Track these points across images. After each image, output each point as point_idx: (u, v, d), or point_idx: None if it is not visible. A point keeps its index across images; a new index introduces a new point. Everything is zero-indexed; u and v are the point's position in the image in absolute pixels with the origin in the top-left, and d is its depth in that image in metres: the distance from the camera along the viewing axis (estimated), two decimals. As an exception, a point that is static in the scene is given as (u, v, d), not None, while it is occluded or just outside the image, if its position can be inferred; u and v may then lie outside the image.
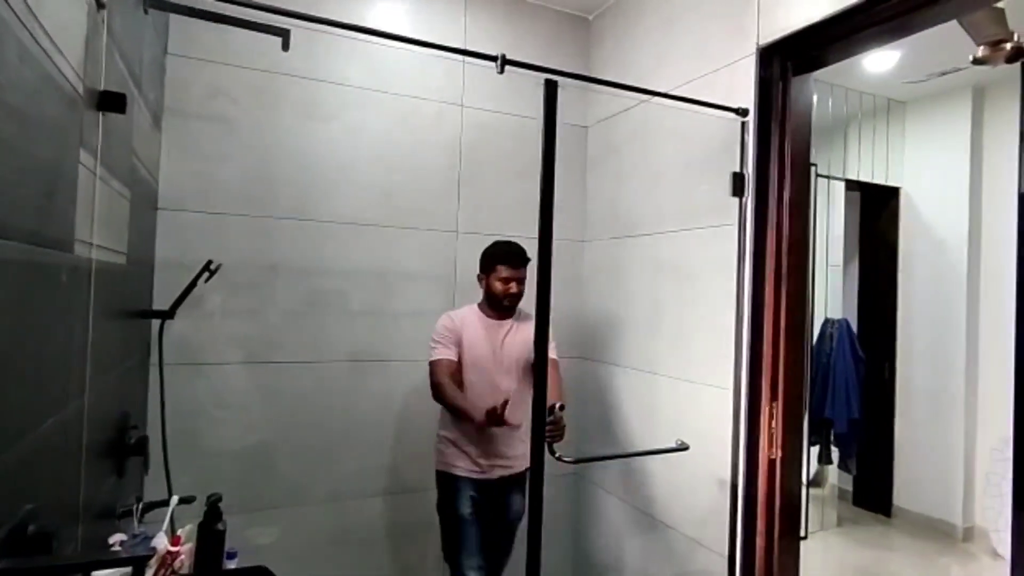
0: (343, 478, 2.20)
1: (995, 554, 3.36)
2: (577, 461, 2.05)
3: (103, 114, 1.10)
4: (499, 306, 2.09)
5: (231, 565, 1.31)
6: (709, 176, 1.99)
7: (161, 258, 1.91)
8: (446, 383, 1.98)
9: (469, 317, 2.11)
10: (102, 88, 1.09)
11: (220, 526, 1.28)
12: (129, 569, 1.00)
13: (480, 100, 2.44)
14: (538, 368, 1.62)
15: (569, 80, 1.73)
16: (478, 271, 2.12)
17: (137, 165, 1.52)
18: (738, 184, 1.87)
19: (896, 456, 3.95)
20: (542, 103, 1.58)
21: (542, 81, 1.59)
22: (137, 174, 1.52)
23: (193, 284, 1.84)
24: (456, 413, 2.00)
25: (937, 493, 3.75)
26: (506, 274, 2.05)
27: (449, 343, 2.05)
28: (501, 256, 2.06)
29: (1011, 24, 2.26)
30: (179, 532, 1.27)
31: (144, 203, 1.71)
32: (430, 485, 2.36)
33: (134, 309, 1.64)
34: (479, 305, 2.15)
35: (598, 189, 2.64)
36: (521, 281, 2.06)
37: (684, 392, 2.06)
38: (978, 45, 2.41)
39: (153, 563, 1.17)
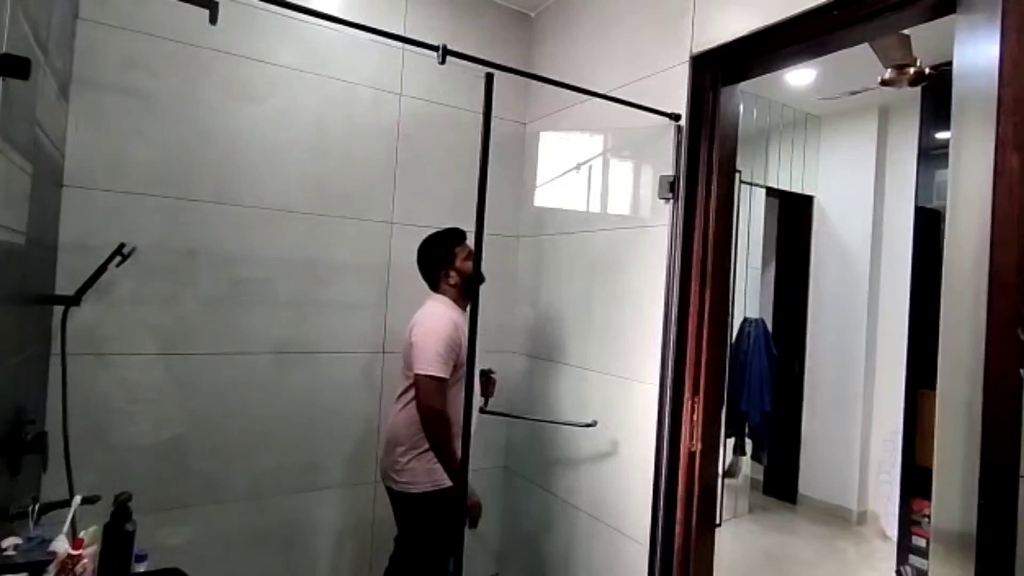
0: (264, 475, 2.12)
1: (884, 536, 3.67)
2: (494, 413, 2.23)
3: (3, 80, 1.00)
4: (467, 291, 1.96)
5: (141, 568, 1.24)
6: (642, 177, 2.05)
7: (66, 239, 1.76)
8: (450, 418, 1.82)
9: (457, 318, 1.94)
10: (3, 51, 0.99)
11: (129, 526, 1.20)
12: (25, 575, 0.93)
13: (419, 90, 2.40)
14: (469, 360, 1.63)
15: (510, 76, 1.73)
16: (440, 267, 2.00)
17: (41, 137, 1.39)
18: (669, 186, 1.94)
19: (802, 447, 4.24)
20: (482, 96, 1.58)
21: (483, 74, 1.59)
22: (41, 147, 1.40)
23: (103, 268, 1.72)
24: (445, 456, 1.83)
25: (836, 481, 4.05)
26: (467, 252, 2.01)
27: (451, 357, 1.85)
28: (457, 236, 2.02)
29: (915, 51, 2.46)
30: (82, 534, 1.19)
31: (48, 179, 1.57)
32: (356, 480, 2.32)
33: (33, 294, 1.51)
34: (447, 300, 2.00)
35: (534, 186, 2.66)
36: None
37: (613, 387, 2.12)
38: (885, 68, 2.61)
39: (52, 568, 1.08)
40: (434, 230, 2.12)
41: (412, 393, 1.87)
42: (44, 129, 1.43)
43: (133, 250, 1.77)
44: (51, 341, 1.72)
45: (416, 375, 1.83)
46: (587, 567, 2.19)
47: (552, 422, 2.33)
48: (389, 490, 1.95)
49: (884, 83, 2.67)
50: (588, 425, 2.09)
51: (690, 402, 1.89)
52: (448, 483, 1.85)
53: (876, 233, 4.01)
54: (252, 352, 2.08)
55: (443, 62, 1.55)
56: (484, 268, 1.71)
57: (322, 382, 2.22)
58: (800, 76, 3.52)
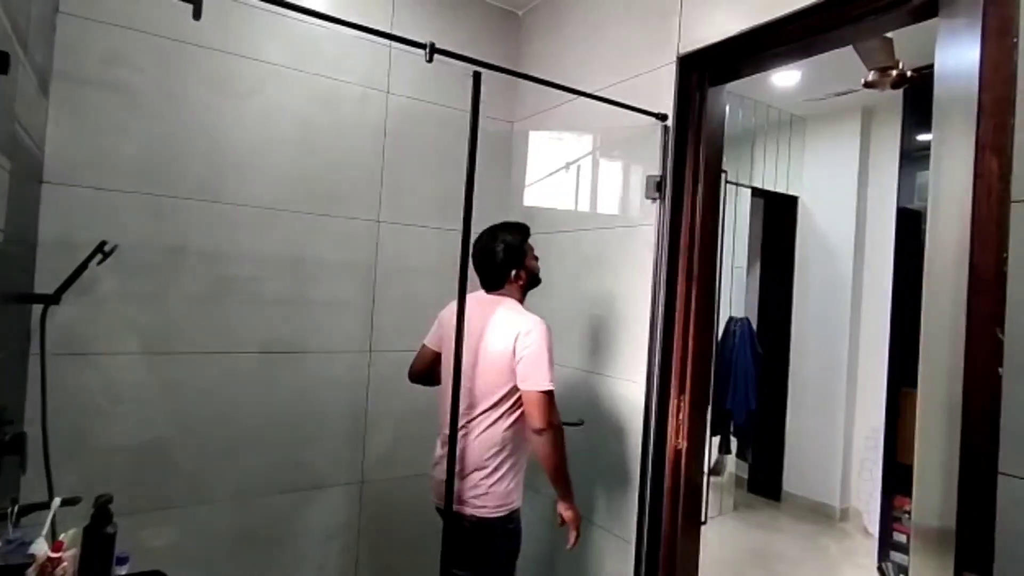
0: (250, 475, 2.10)
1: (866, 532, 3.72)
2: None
3: (-20, 73, 0.98)
4: (526, 293, 1.90)
5: (122, 571, 1.22)
6: (629, 177, 2.06)
7: (46, 237, 1.73)
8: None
9: None
10: (-21, 44, 0.97)
11: (109, 529, 1.18)
12: (3, 579, 0.91)
13: (406, 88, 2.39)
14: (456, 359, 1.62)
15: (497, 74, 1.73)
16: (513, 265, 1.83)
17: (19, 133, 1.36)
18: (656, 186, 1.95)
19: (786, 445, 4.29)
20: (470, 95, 1.58)
21: (470, 73, 1.59)
22: (19, 143, 1.37)
23: (84, 266, 1.70)
24: (566, 476, 1.75)
25: (819, 478, 4.10)
26: (533, 249, 1.91)
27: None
28: (527, 232, 1.90)
29: (897, 54, 2.50)
30: (61, 537, 1.17)
31: (27, 175, 1.54)
32: (342, 481, 2.31)
33: (11, 292, 1.48)
34: (516, 300, 1.85)
35: (522, 184, 2.66)
36: None
37: (600, 385, 2.13)
38: (868, 70, 2.64)
39: (31, 571, 1.06)
40: (420, 228, 2.11)
41: (500, 411, 1.71)
42: (23, 125, 1.40)
43: (115, 248, 1.74)
44: (30, 340, 1.69)
45: (534, 392, 1.65)
46: (573, 565, 2.20)
47: None
48: (457, 516, 1.71)
49: (867, 85, 2.70)
50: (575, 424, 2.10)
51: (676, 400, 1.90)
52: (518, 504, 1.78)
53: (859, 233, 4.07)
54: (238, 351, 2.06)
55: (430, 60, 1.54)
56: (471, 267, 1.71)
57: (308, 381, 2.20)
58: (785, 78, 3.56)
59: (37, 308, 1.67)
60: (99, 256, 1.72)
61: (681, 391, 1.90)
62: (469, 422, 1.73)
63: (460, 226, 1.60)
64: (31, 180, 1.63)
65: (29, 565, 1.06)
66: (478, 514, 1.70)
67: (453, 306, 1.71)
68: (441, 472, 1.74)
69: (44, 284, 1.69)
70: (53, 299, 1.67)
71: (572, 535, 1.78)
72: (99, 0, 1.80)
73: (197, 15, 1.40)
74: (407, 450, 2.39)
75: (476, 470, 1.71)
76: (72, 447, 1.73)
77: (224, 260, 2.04)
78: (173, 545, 1.91)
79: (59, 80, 1.74)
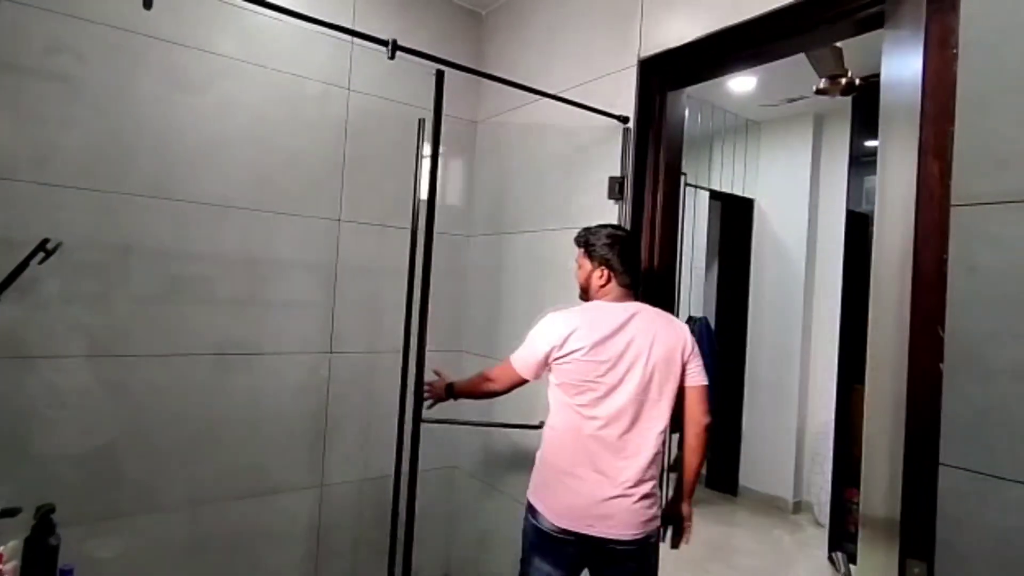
0: (204, 480, 2.03)
1: (818, 524, 3.85)
2: (438, 421, 1.93)
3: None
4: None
5: (67, 583, 1.17)
6: (590, 178, 2.08)
7: (-17, 233, 1.64)
8: None
9: None
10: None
11: (52, 540, 1.13)
12: (-66, 596, 0.86)
13: (367, 85, 2.36)
14: (404, 357, 1.62)
15: (460, 74, 1.73)
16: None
17: (-47, 123, 1.29)
18: (617, 187, 1.97)
19: (743, 442, 4.40)
20: (432, 94, 1.57)
21: (433, 71, 1.58)
22: (-48, 134, 1.29)
23: (24, 265, 1.61)
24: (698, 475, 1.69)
25: (774, 473, 4.23)
26: None
27: None
28: None
29: (847, 63, 2.60)
30: (1, 549, 1.11)
31: (-39, 168, 1.46)
32: (301, 485, 2.26)
33: (-55, 292, 1.40)
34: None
35: (485, 185, 2.66)
36: (575, 266, 1.75)
37: (562, 385, 2.14)
38: (820, 78, 2.74)
39: (-34, 587, 1.01)
40: (381, 228, 2.08)
41: (665, 417, 1.57)
42: (-43, 115, 1.32)
43: (59, 246, 1.66)
44: (-35, 343, 1.60)
45: (702, 387, 1.59)
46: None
47: (501, 425, 2.30)
48: (612, 544, 1.52)
49: (819, 92, 2.80)
50: (536, 427, 2.09)
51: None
52: None
53: (811, 235, 4.20)
54: (190, 352, 1.99)
55: (392, 57, 1.53)
56: (434, 267, 1.70)
57: (266, 384, 2.15)
58: (742, 83, 3.66)
59: (-27, 309, 1.58)
60: (41, 254, 1.64)
61: (642, 389, 1.92)
62: (627, 433, 1.55)
63: (423, 225, 1.59)
64: (-34, 174, 1.54)
65: (-37, 580, 1.01)
66: (645, 538, 1.56)
67: (577, 315, 1.59)
68: (592, 495, 1.52)
69: (-20, 284, 1.60)
70: (-9, 299, 1.58)
71: (689, 534, 1.74)
72: (41, -14, 1.71)
73: (148, 4, 1.35)
74: (368, 453, 2.36)
75: (642, 482, 1.54)
76: (12, 455, 1.64)
77: (176, 259, 1.97)
78: (122, 555, 1.83)
79: (0, 70, 1.66)
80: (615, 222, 1.97)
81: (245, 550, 2.13)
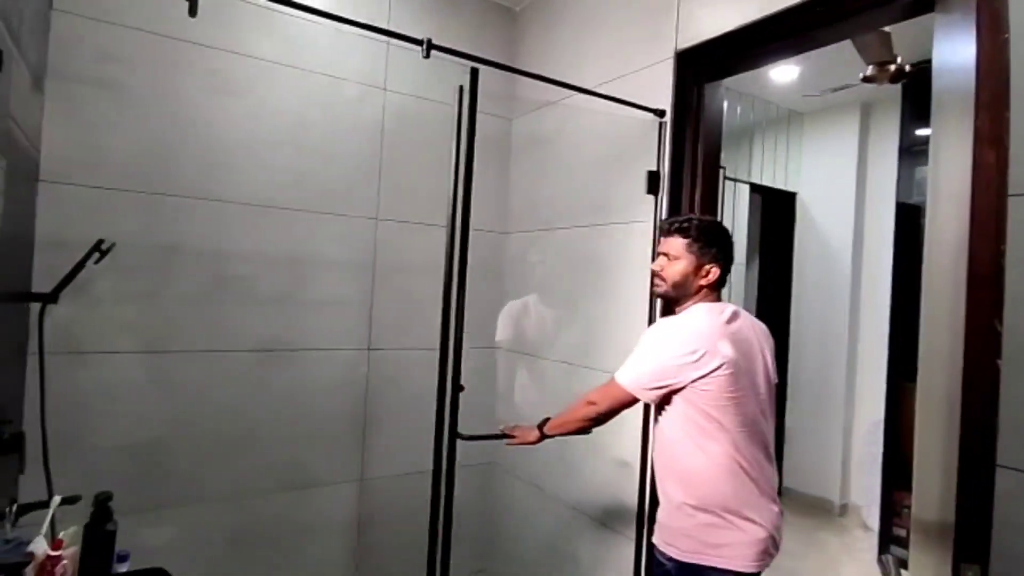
0: (247, 474, 2.09)
1: (866, 527, 3.73)
2: (473, 438, 1.85)
3: (-27, 71, 0.98)
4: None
5: (123, 568, 1.22)
6: (627, 173, 2.05)
7: (43, 235, 1.73)
8: None
9: None
10: (-28, 41, 0.97)
11: (109, 526, 1.18)
12: (1, 577, 0.91)
13: (403, 85, 2.38)
14: (441, 355, 1.62)
15: (495, 71, 1.73)
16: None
17: (14, 130, 1.36)
18: (654, 182, 1.95)
19: (786, 441, 4.29)
20: (467, 91, 1.57)
21: (467, 69, 1.58)
22: (14, 141, 1.36)
23: (81, 265, 1.69)
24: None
25: (819, 474, 4.11)
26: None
27: None
28: None
29: (896, 48, 2.49)
30: (61, 535, 1.17)
31: (22, 173, 1.54)
32: (340, 479, 2.30)
33: (9, 291, 1.47)
34: None
35: (520, 182, 2.66)
36: (665, 257, 1.50)
37: (598, 382, 2.12)
38: (867, 65, 2.64)
39: (30, 570, 1.06)
40: (419, 225, 2.09)
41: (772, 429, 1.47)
42: (18, 122, 1.40)
43: (112, 246, 1.74)
44: (28, 339, 1.68)
45: (775, 385, 1.49)
46: (574, 561, 2.20)
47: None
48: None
49: (866, 80, 2.70)
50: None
51: (675, 396, 1.89)
52: None
53: (858, 229, 4.06)
54: (234, 349, 2.06)
55: (427, 56, 1.54)
56: (471, 264, 1.70)
57: (306, 380, 2.20)
58: (783, 73, 3.55)
59: (35, 307, 1.67)
60: (96, 255, 1.71)
61: (680, 387, 1.89)
62: (769, 444, 1.45)
63: (459, 222, 1.60)
64: (27, 179, 1.62)
65: (27, 564, 1.06)
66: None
67: (698, 324, 1.40)
68: (773, 522, 1.41)
69: (41, 283, 1.69)
70: (51, 298, 1.67)
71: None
72: (91, -3, 1.79)
73: (193, 12, 1.39)
74: (406, 448, 2.39)
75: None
76: (70, 446, 1.72)
77: (219, 258, 2.03)
78: (171, 544, 1.90)
79: (54, 78, 1.74)
80: (652, 218, 1.95)
81: (287, 541, 2.18)
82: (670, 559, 1.40)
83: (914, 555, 1.28)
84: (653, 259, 1.92)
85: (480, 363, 2.29)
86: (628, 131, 2.05)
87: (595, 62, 2.24)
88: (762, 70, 3.27)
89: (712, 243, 1.46)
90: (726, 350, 1.34)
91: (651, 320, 1.93)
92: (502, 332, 2.58)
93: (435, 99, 2.43)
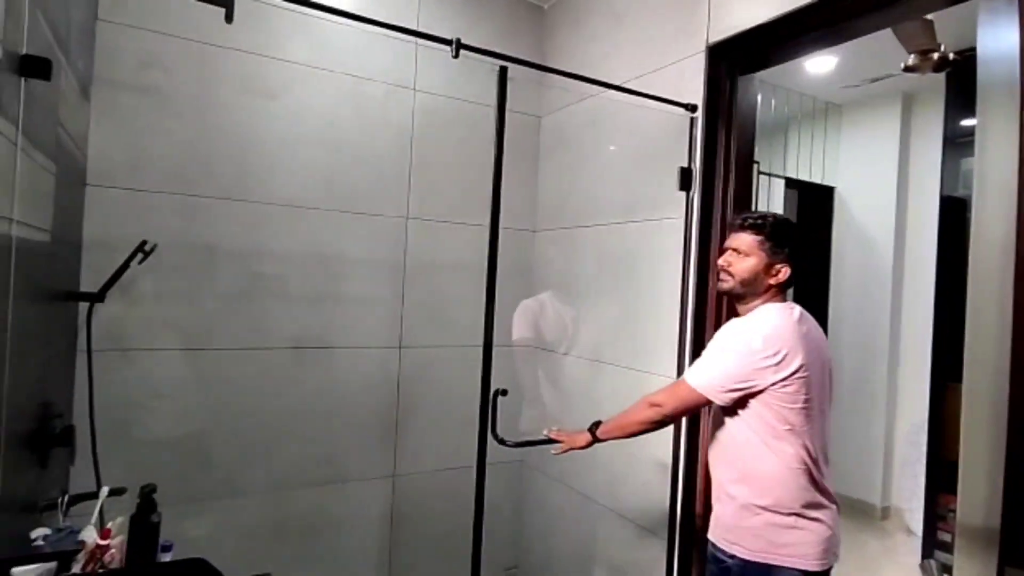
0: (283, 468, 2.14)
1: (908, 531, 3.61)
2: (517, 444, 1.93)
3: (25, 80, 1.02)
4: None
5: (166, 558, 1.27)
6: (658, 170, 2.03)
7: (90, 237, 1.80)
8: None
9: None
10: (24, 52, 1.01)
11: (154, 518, 1.23)
12: (54, 564, 0.95)
13: (432, 84, 2.40)
14: (485, 352, 1.63)
15: (523, 68, 1.73)
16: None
17: (63, 137, 1.42)
18: (686, 178, 1.92)
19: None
20: (496, 90, 1.58)
21: (496, 68, 1.59)
22: (63, 146, 1.42)
23: (126, 265, 1.76)
24: None
25: (859, 476, 3.99)
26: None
27: None
28: None
29: (939, 36, 2.40)
30: (109, 525, 1.22)
31: (71, 178, 1.60)
32: (374, 474, 2.33)
33: (60, 291, 1.54)
34: None
35: (550, 179, 2.65)
36: (735, 253, 1.47)
37: (629, 380, 2.11)
38: (908, 54, 2.55)
39: (81, 557, 1.11)
40: (449, 224, 2.11)
41: None
42: (67, 129, 1.45)
43: (155, 247, 1.80)
44: (77, 337, 1.75)
45: None
46: (605, 560, 2.19)
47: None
48: None
49: (907, 69, 2.60)
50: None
51: (708, 395, 1.86)
52: None
53: (900, 223, 3.93)
54: (269, 347, 2.11)
55: (456, 56, 1.55)
56: (500, 262, 1.70)
57: (339, 376, 2.24)
58: (820, 64, 3.45)
59: (83, 306, 1.74)
60: (140, 255, 1.78)
61: (713, 386, 1.87)
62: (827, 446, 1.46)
63: (488, 221, 1.60)
64: (75, 183, 1.69)
65: (78, 552, 1.11)
66: None
67: (775, 322, 1.37)
68: (836, 520, 1.44)
69: (88, 283, 1.76)
70: (98, 297, 1.74)
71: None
72: (134, 6, 1.85)
73: (229, 18, 1.42)
74: (438, 445, 2.41)
75: None
76: (116, 440, 1.79)
77: (255, 258, 2.08)
78: (212, 535, 1.96)
79: (99, 85, 1.80)
80: (684, 215, 1.92)
81: (322, 535, 2.23)
82: (732, 557, 1.41)
83: (958, 560, 1.23)
84: (685, 255, 1.90)
85: (511, 362, 2.29)
86: (659, 127, 2.02)
87: (625, 58, 2.22)
88: (797, 61, 3.19)
89: (785, 242, 1.43)
90: (803, 352, 1.33)
91: (683, 318, 1.91)
92: (530, 331, 2.58)
93: (464, 98, 2.45)
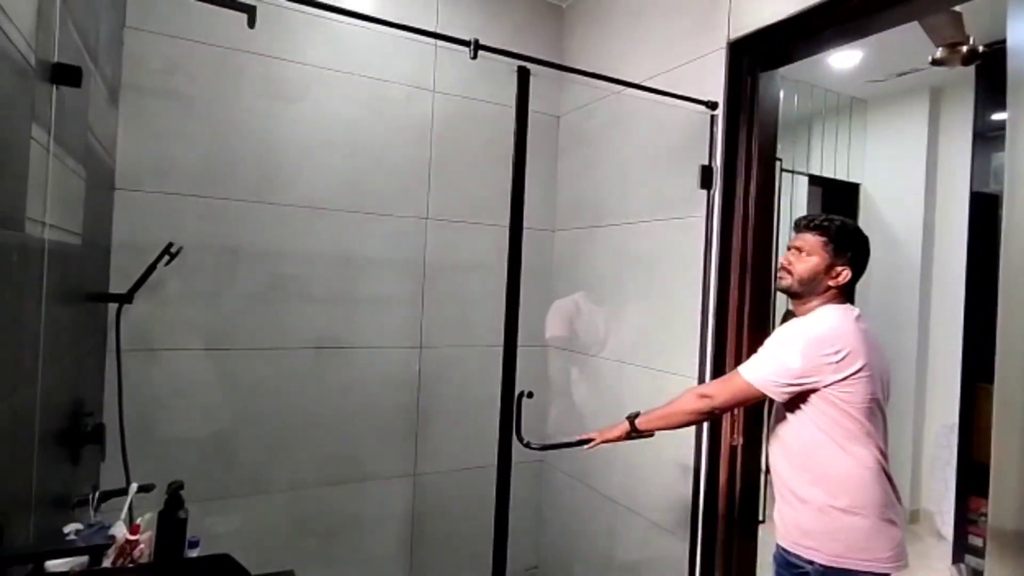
0: (305, 467, 2.17)
1: (939, 535, 3.53)
2: (543, 447, 1.97)
3: (56, 87, 1.05)
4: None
5: (193, 553, 1.29)
6: (678, 168, 2.01)
7: (118, 239, 1.84)
8: None
9: None
10: (55, 60, 1.04)
11: (182, 514, 1.25)
12: (86, 558, 0.98)
13: (451, 86, 2.41)
14: (507, 356, 1.63)
15: (542, 68, 1.73)
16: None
17: (93, 142, 1.45)
18: (706, 176, 1.90)
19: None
20: (515, 90, 1.58)
21: (515, 68, 1.59)
22: (93, 152, 1.46)
23: (153, 267, 1.79)
24: None
25: (887, 478, 3.91)
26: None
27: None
28: None
29: (967, 28, 2.34)
30: (138, 520, 1.24)
31: (100, 182, 1.64)
32: (395, 473, 2.35)
33: (90, 292, 1.58)
34: None
35: (568, 179, 2.64)
36: (796, 252, 1.48)
37: (649, 380, 2.10)
38: (936, 47, 2.49)
39: (111, 552, 1.14)
40: (470, 225, 2.11)
41: None
42: (96, 134, 1.49)
43: (180, 249, 1.84)
44: (106, 337, 1.80)
45: None
46: (627, 560, 2.18)
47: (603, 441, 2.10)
48: None
49: (935, 63, 2.54)
50: (644, 436, 1.98)
51: (730, 396, 1.84)
52: None
53: (928, 220, 3.84)
54: (291, 347, 2.13)
55: (475, 57, 1.55)
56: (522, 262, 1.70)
57: (360, 376, 2.26)
58: (844, 58, 3.39)
59: (112, 307, 1.78)
60: (166, 257, 1.81)
61: (735, 386, 1.84)
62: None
63: (508, 222, 1.61)
64: (105, 187, 1.74)
65: (109, 546, 1.13)
66: None
67: (838, 323, 1.38)
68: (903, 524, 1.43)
69: (117, 284, 1.80)
70: (126, 298, 1.78)
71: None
72: (160, 13, 1.89)
73: (252, 24, 1.45)
74: (459, 445, 2.42)
75: None
76: (144, 438, 1.83)
77: (277, 259, 2.11)
78: (236, 532, 2.00)
79: (127, 91, 1.85)
80: (704, 213, 1.90)
81: (344, 533, 2.25)
82: (811, 563, 1.38)
83: (989, 565, 1.20)
84: (706, 254, 1.88)
85: (530, 362, 2.29)
86: (679, 125, 2.01)
87: (644, 56, 2.21)
88: (821, 56, 3.13)
89: (848, 246, 1.45)
90: (865, 353, 1.33)
91: (704, 318, 1.89)
92: (551, 330, 2.58)
93: (483, 99, 2.45)
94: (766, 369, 1.39)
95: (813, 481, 1.39)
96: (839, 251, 1.44)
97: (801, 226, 1.51)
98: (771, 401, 1.49)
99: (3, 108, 0.83)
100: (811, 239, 1.46)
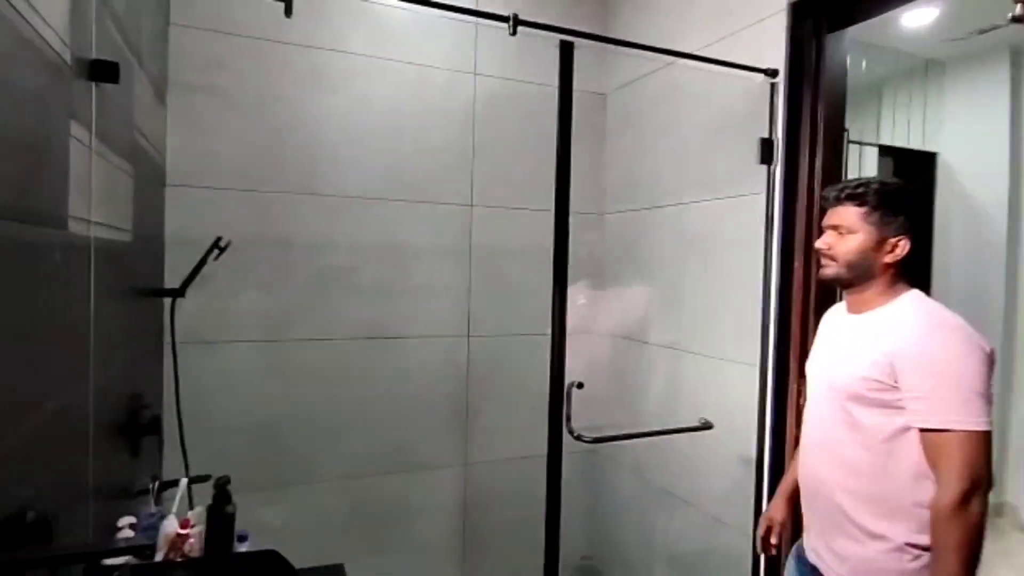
0: (356, 456, 2.18)
1: (1023, 529, 3.28)
2: (595, 440, 1.86)
3: (96, 85, 1.05)
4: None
5: (243, 547, 1.30)
6: (735, 142, 1.89)
7: (171, 235, 1.88)
8: None
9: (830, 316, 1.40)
10: (93, 57, 1.04)
11: (229, 509, 1.26)
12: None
13: (493, 67, 2.34)
14: (554, 345, 1.57)
15: (586, 42, 1.64)
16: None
17: (140, 140, 1.47)
18: (767, 151, 1.77)
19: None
20: (558, 68, 1.50)
21: (557, 43, 1.51)
22: (140, 149, 1.48)
23: (203, 262, 1.82)
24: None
25: (968, 470, 3.65)
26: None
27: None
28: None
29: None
30: (189, 515, 1.26)
31: (150, 179, 1.67)
32: (445, 462, 2.34)
33: (143, 287, 1.61)
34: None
35: (617, 159, 2.54)
36: (834, 232, 1.25)
37: (708, 369, 2.00)
38: (1016, 2, 2.24)
39: (163, 545, 1.15)
40: (514, 210, 2.05)
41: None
42: (143, 132, 1.51)
43: (229, 243, 1.86)
44: (162, 331, 1.84)
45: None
46: (683, 553, 2.10)
47: (661, 433, 1.97)
48: None
49: (1015, 20, 2.29)
50: (703, 428, 1.91)
51: (796, 385, 1.73)
52: None
53: (1014, 192, 3.52)
54: (341, 337, 2.14)
55: (514, 33, 1.48)
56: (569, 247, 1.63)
57: (409, 366, 2.25)
58: (918, 16, 3.11)
59: (167, 301, 1.82)
60: (216, 251, 1.84)
61: (801, 375, 1.72)
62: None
63: (554, 206, 1.54)
64: (155, 183, 1.77)
65: (151, 546, 1.15)
66: None
67: (959, 321, 1.16)
68: None
69: (172, 279, 1.84)
70: (179, 292, 1.81)
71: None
72: (201, 9, 1.90)
73: (288, 12, 1.43)
74: (509, 433, 2.39)
75: None
76: (199, 429, 1.86)
77: (324, 250, 2.12)
78: (287, 523, 2.02)
79: (173, 88, 1.87)
80: (765, 190, 1.78)
81: (395, 523, 2.26)
82: None
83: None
84: (768, 234, 1.76)
85: (581, 350, 2.22)
86: (736, 96, 1.88)
87: (696, 24, 2.08)
88: (893, 14, 2.88)
89: (898, 209, 1.18)
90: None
91: (766, 301, 1.77)
92: (605, 317, 2.50)
93: (526, 79, 2.38)
94: (979, 403, 1.07)
95: (889, 513, 1.15)
96: (886, 219, 1.18)
97: (831, 199, 1.25)
98: (799, 404, 1.27)
99: (38, 106, 0.82)
100: (848, 212, 1.21)
